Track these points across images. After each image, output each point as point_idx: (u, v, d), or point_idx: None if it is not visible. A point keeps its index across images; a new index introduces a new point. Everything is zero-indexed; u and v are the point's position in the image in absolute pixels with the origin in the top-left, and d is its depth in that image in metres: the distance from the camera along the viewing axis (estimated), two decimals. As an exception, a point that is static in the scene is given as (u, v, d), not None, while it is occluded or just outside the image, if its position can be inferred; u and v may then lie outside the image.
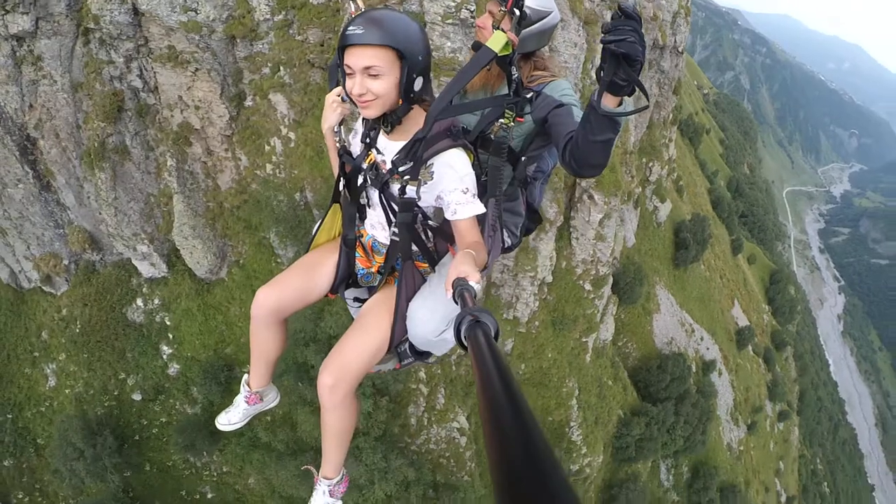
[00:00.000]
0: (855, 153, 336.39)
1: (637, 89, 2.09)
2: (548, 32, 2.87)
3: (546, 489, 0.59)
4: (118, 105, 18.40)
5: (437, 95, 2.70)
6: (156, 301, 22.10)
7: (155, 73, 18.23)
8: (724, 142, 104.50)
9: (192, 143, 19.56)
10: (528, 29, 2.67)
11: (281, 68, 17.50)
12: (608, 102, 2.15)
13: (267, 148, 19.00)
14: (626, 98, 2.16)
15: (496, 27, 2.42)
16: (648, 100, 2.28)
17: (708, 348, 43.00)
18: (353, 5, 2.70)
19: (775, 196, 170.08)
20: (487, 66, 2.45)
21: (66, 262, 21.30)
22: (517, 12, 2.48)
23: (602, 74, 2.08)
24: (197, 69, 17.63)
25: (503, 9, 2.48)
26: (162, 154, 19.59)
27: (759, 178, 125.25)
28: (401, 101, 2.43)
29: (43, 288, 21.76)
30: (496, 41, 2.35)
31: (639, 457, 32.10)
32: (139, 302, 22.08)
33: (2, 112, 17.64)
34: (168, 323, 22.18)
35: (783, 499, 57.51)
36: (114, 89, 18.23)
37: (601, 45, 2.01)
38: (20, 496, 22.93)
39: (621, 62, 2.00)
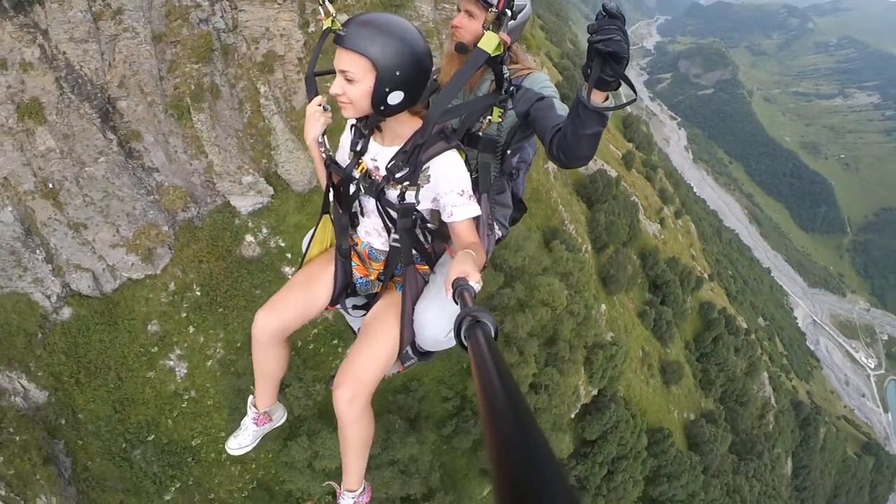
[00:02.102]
0: (657, 7, 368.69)
1: (622, 83, 2.30)
2: (522, 26, 3.10)
3: (546, 488, 0.62)
4: (209, 46, 19.72)
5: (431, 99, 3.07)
6: (264, 230, 22.81)
7: (238, 12, 20.36)
8: (544, 27, 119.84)
9: (274, 71, 21.41)
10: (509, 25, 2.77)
11: (338, -1, 21.05)
12: (596, 98, 2.36)
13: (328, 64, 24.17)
14: (611, 94, 2.38)
15: (487, 28, 2.53)
16: (636, 93, 2.41)
17: (609, 171, 57.23)
18: (321, 10, 2.79)
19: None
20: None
21: (165, 228, 20.96)
22: (508, 13, 2.56)
23: (590, 72, 2.27)
24: (283, 1, 20.42)
25: (494, 9, 2.54)
26: (245, 88, 21.21)
27: (581, 50, 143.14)
28: (372, 111, 2.53)
29: (133, 277, 20.97)
30: (489, 42, 2.49)
31: (609, 241, 45.93)
32: (249, 238, 22.52)
33: (79, 78, 17.87)
34: (282, 244, 23.03)
35: (706, 275, 74.83)
36: (202, 31, 19.50)
37: (588, 45, 2.20)
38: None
39: (608, 60, 2.18)
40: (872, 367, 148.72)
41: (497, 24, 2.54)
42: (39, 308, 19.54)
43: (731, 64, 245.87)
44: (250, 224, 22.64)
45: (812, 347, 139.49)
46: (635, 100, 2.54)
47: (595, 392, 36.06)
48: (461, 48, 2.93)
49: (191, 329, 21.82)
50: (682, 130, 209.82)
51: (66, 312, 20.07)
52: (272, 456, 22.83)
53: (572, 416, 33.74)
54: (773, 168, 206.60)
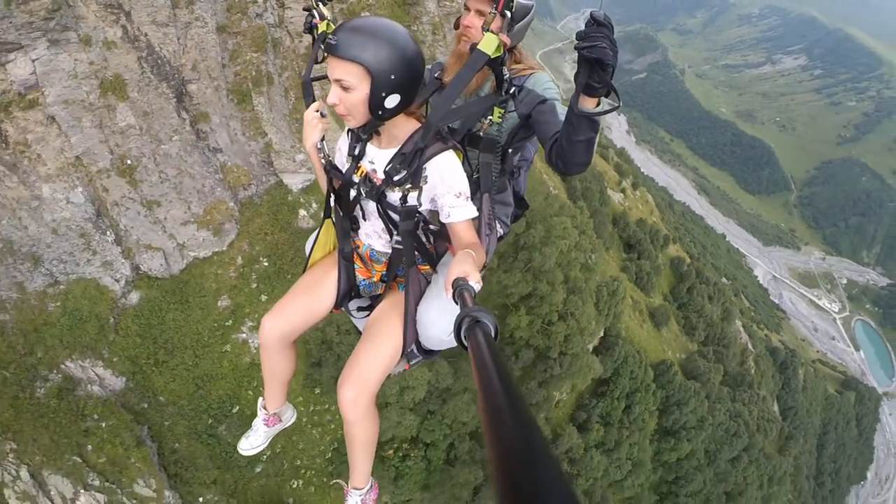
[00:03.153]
0: (581, 1, 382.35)
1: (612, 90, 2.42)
2: (526, 28, 3.12)
3: (545, 486, 0.63)
4: (265, 38, 21.65)
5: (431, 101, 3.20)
6: (314, 205, 24.48)
7: (285, 9, 22.80)
8: None
9: (314, 62, 24.74)
10: (515, 26, 2.90)
11: (369, -5, 24.56)
12: (586, 104, 2.45)
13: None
14: (603, 98, 2.45)
15: (486, 29, 2.58)
16: (619, 100, 2.44)
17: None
18: (316, 14, 2.89)
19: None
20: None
21: (231, 204, 22.12)
22: (508, 14, 2.65)
23: (578, 78, 2.37)
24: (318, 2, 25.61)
25: (493, 11, 2.63)
26: (289, 77, 23.39)
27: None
28: (370, 117, 2.57)
29: (201, 256, 21.85)
30: (488, 44, 2.54)
31: (587, 205, 50.33)
32: (302, 212, 24.13)
33: (159, 59, 19.16)
34: (331, 216, 26.35)
35: (670, 238, 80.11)
36: (259, 24, 21.46)
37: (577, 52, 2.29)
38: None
39: (595, 67, 2.29)
40: (837, 310, 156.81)
41: (497, 24, 2.63)
42: (109, 292, 19.81)
43: (661, 46, 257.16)
44: (301, 199, 24.29)
45: (777, 301, 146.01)
46: (619, 106, 2.49)
47: (602, 333, 40.30)
48: (474, 49, 2.73)
49: (263, 297, 22.76)
50: (621, 116, 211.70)
51: (135, 297, 20.48)
52: (348, 415, 25.09)
53: (591, 347, 37.79)
54: (713, 140, 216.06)
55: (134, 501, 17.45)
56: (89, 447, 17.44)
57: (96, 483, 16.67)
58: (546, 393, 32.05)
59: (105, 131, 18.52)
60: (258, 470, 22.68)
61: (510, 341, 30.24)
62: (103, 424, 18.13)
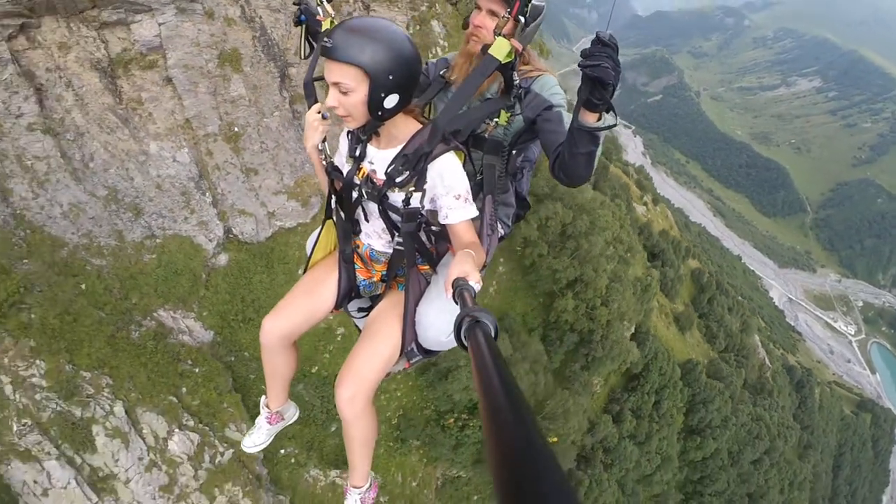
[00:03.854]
0: (597, 23, 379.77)
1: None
2: (536, 29, 3.05)
3: (545, 486, 0.64)
4: None
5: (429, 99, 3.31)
6: None
7: (370, 12, 23.65)
8: None
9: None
10: (527, 28, 2.88)
11: (436, 5, 25.29)
12: (587, 118, 2.49)
13: (430, 54, 23.69)
14: (604, 114, 2.50)
15: (498, 33, 2.58)
16: (616, 118, 2.51)
17: (599, 160, 65.60)
18: (321, 11, 2.98)
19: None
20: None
21: (316, 180, 25.94)
22: (522, 20, 2.67)
23: (580, 94, 2.41)
24: (399, 6, 23.93)
25: (506, 15, 2.63)
26: None
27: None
28: (370, 118, 2.58)
29: (286, 226, 22.83)
30: (500, 49, 2.54)
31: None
32: None
33: (269, 40, 20.65)
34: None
35: (690, 252, 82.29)
36: None
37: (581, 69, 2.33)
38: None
39: (596, 84, 2.33)
40: (853, 333, 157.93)
41: (509, 28, 2.68)
42: (203, 251, 20.44)
43: (676, 69, 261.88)
44: (371, 177, 26.77)
45: (792, 323, 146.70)
46: (615, 125, 2.51)
47: (633, 329, 42.45)
48: (485, 50, 2.67)
49: (339, 265, 24.44)
50: (637, 138, 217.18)
51: (224, 258, 21.05)
52: (412, 384, 26.60)
53: (628, 336, 40.14)
54: (728, 162, 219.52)
55: (225, 444, 18.50)
56: (184, 389, 18.34)
57: (190, 424, 17.59)
58: (587, 377, 34.14)
59: (217, 98, 19.83)
60: (333, 429, 24.09)
61: (555, 326, 32.42)
62: (197, 370, 19.11)
